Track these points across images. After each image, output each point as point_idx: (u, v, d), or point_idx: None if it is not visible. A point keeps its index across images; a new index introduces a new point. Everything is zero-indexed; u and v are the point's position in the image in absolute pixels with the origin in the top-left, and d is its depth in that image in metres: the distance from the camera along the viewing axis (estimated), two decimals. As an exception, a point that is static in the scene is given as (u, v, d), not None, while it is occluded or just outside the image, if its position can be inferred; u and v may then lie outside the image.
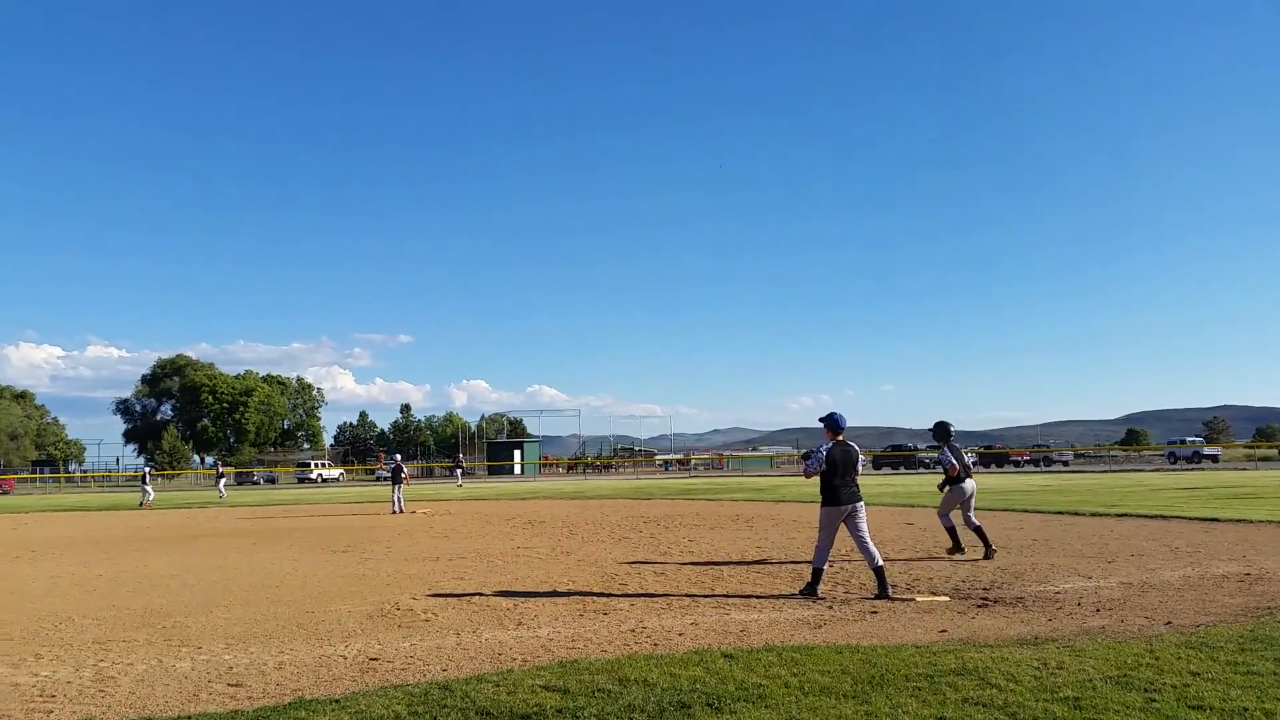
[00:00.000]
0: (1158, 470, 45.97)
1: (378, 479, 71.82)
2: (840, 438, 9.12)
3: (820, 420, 9.34)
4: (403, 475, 25.43)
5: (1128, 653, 5.82)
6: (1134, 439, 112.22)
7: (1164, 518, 16.03)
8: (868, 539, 8.90)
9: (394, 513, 23.91)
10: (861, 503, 9.03)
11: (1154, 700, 4.70)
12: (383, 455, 25.40)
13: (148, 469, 39.40)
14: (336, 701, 5.10)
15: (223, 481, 39.23)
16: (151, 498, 32.16)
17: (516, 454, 76.76)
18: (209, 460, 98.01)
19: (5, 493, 60.05)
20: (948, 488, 11.98)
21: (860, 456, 9.36)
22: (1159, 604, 7.83)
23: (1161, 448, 69.36)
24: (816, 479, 9.14)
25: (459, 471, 49.69)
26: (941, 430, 12.16)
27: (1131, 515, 16.74)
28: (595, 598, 9.03)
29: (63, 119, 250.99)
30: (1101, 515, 17.02)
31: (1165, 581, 9.05)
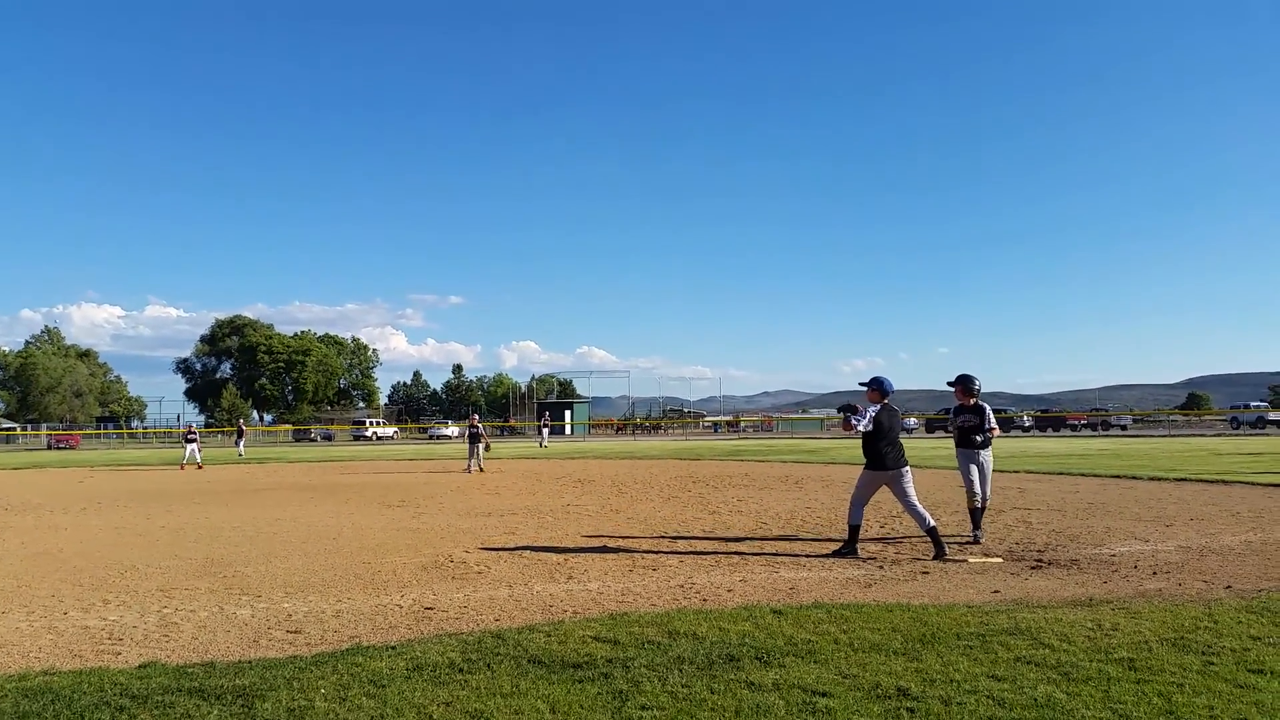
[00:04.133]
0: (1220, 435, 44.99)
1: (430, 438, 72.92)
2: (886, 402, 9.02)
3: (863, 384, 9.20)
4: (480, 435, 24.52)
5: (1185, 616, 5.72)
6: (1195, 404, 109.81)
7: (1225, 483, 15.69)
8: (916, 502, 8.83)
9: (467, 470, 23.53)
10: (907, 467, 8.93)
11: (1212, 664, 4.62)
12: (476, 418, 24.94)
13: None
14: (393, 648, 5.21)
15: (242, 441, 40.10)
16: (196, 456, 30.17)
17: (566, 414, 77.33)
18: (267, 418, 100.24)
19: (71, 448, 61.97)
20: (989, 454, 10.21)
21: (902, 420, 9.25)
22: (1219, 568, 7.69)
23: (1224, 412, 67.90)
24: (857, 442, 9.05)
25: (545, 430, 49.06)
26: (974, 383, 10.27)
27: (1191, 480, 16.41)
28: (644, 554, 9.09)
29: (118, 86, 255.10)
30: (1160, 480, 16.71)
31: (1225, 546, 8.87)
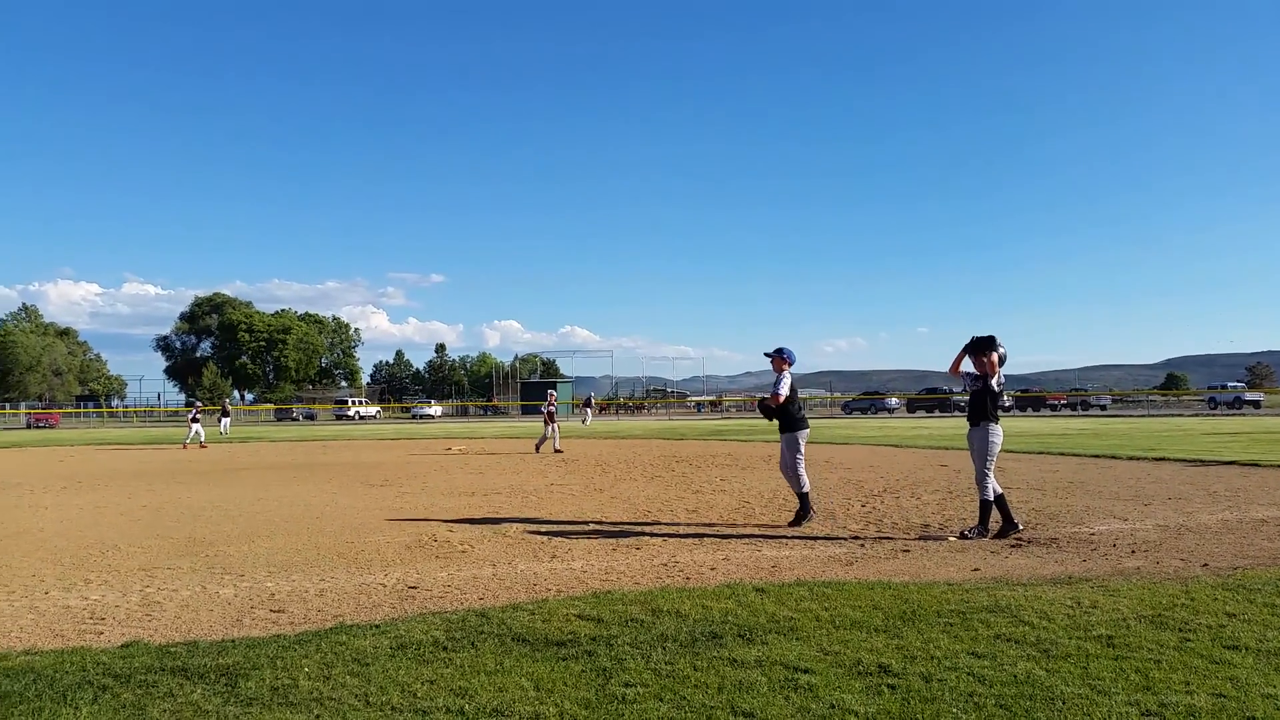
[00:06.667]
0: (1197, 415, 45.43)
1: (413, 417, 72.78)
2: (788, 369, 9.60)
3: (769, 354, 9.70)
4: (555, 415, 23.63)
5: (1163, 593, 5.78)
6: (1174, 384, 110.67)
7: (1203, 462, 15.86)
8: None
9: (537, 450, 22.61)
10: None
11: (1189, 640, 4.68)
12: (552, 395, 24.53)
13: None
14: (376, 627, 5.21)
15: (226, 420, 40.08)
16: (197, 435, 30.23)
17: (550, 394, 77.18)
18: (249, 397, 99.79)
19: (51, 427, 61.53)
20: (993, 434, 8.63)
21: None
22: (1196, 546, 7.77)
23: (1202, 393, 68.57)
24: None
25: (588, 410, 49.22)
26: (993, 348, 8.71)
27: (1169, 459, 16.57)
28: (628, 533, 9.12)
29: (98, 59, 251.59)
30: (1139, 459, 16.87)
31: (1203, 524, 8.97)
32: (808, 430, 9.71)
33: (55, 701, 3.99)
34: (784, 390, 9.43)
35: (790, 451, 9.53)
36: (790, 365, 9.64)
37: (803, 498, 9.42)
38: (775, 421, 9.68)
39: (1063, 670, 4.23)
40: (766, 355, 9.71)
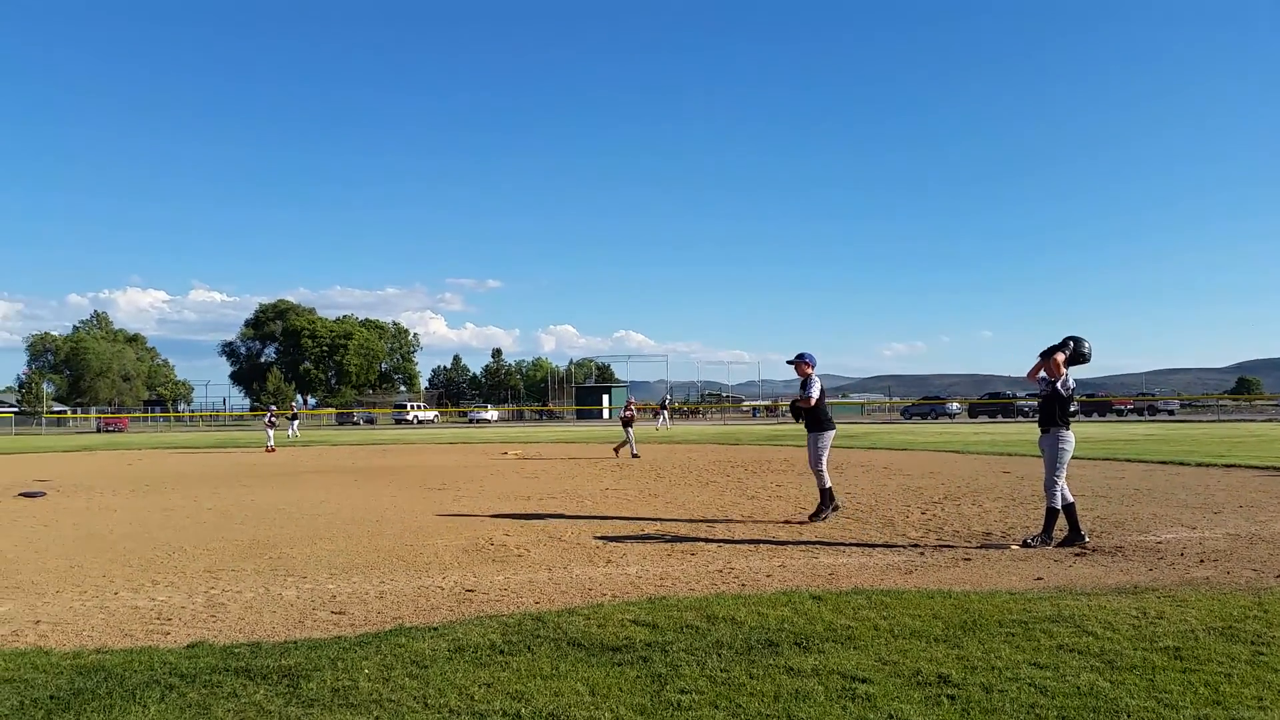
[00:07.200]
0: (1271, 421, 44.08)
1: (470, 421, 73.58)
2: (812, 372, 10.23)
3: (790, 362, 10.30)
4: (633, 421, 23.53)
5: (1233, 604, 5.62)
6: (1245, 388, 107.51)
7: (1276, 470, 15.38)
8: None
9: (615, 454, 22.80)
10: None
11: (1261, 654, 4.54)
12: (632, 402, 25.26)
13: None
14: (435, 629, 5.27)
15: (295, 423, 41.07)
16: (272, 439, 31.61)
17: (605, 398, 77.60)
18: (311, 401, 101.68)
19: (120, 431, 63.22)
20: (1063, 441, 8.39)
21: None
22: (1269, 556, 7.54)
23: (1275, 398, 66.57)
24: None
25: (665, 414, 50.39)
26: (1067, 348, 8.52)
27: (1240, 466, 16.11)
28: (683, 538, 9.10)
29: (159, 72, 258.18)
30: (1208, 466, 16.43)
31: (1276, 534, 8.70)
32: (834, 431, 10.44)
33: (125, 699, 4.10)
34: (815, 393, 10.15)
35: (815, 449, 10.15)
36: (813, 368, 10.30)
37: (826, 493, 9.99)
38: (802, 422, 10.46)
39: (1128, 682, 4.13)
40: (789, 363, 10.37)
